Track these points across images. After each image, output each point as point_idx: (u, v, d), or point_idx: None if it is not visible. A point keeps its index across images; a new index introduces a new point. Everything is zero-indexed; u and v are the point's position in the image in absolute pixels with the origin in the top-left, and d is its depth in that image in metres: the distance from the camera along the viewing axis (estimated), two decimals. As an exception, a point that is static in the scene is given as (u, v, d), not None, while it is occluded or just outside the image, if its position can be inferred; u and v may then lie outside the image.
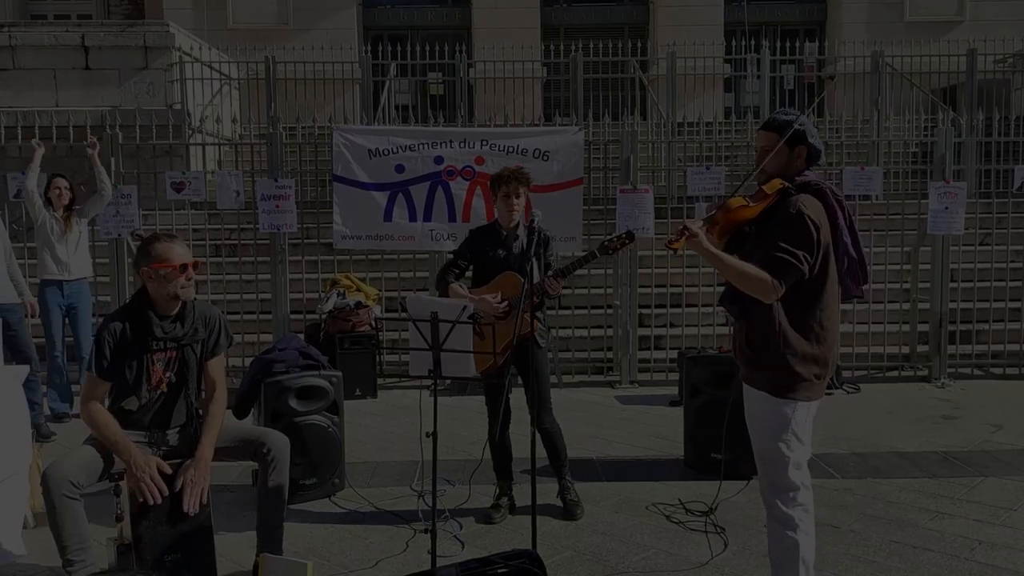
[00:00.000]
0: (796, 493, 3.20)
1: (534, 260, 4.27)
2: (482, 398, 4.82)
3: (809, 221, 3.08)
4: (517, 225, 4.53)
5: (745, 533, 4.32)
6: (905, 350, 8.21)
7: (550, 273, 4.34)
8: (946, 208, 7.69)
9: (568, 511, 4.52)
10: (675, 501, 4.77)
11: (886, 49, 12.82)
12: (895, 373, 8.07)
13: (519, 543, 4.02)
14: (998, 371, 8.11)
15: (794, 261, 3.05)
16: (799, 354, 3.15)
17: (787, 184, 3.17)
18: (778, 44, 13.24)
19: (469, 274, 4.66)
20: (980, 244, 8.52)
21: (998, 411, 6.78)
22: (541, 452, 4.20)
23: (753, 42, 13.27)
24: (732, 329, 3.44)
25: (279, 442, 3.79)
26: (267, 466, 3.72)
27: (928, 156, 8.76)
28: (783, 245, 3.06)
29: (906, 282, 8.43)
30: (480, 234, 4.63)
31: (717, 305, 3.41)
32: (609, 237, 4.38)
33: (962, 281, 8.28)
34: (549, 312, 6.39)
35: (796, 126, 3.21)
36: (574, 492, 4.61)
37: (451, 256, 4.79)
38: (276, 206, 7.61)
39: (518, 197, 4.47)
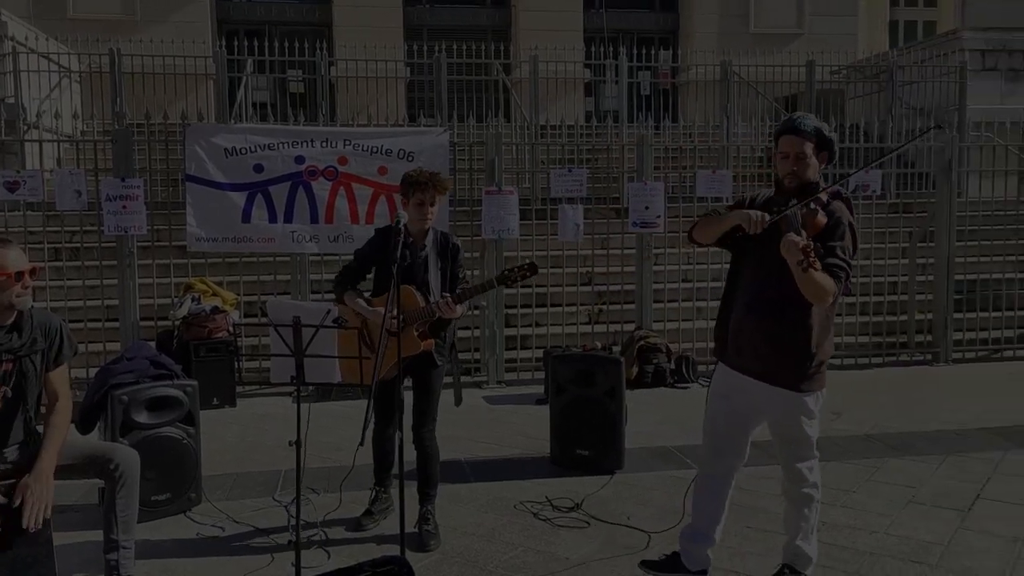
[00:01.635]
0: (816, 461, 3.59)
1: (439, 273, 4.19)
2: (348, 404, 4.73)
3: (855, 230, 3.34)
4: (427, 232, 4.32)
5: (611, 526, 4.42)
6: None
7: (446, 295, 4.16)
8: (790, 210, 8.15)
9: (422, 541, 4.19)
10: (543, 498, 4.83)
11: (734, 59, 13.50)
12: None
13: (388, 549, 3.96)
14: (838, 362, 8.67)
15: (847, 267, 3.26)
16: (825, 350, 3.42)
17: (828, 193, 3.33)
18: (635, 51, 13.70)
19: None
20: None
21: (839, 400, 7.22)
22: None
23: (611, 48, 13.66)
24: (731, 329, 3.49)
25: (128, 457, 3.58)
26: (115, 483, 3.51)
27: (773, 161, 9.26)
28: (840, 254, 3.25)
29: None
30: (385, 236, 4.30)
31: (761, 311, 3.39)
32: (510, 268, 4.21)
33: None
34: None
35: (826, 132, 3.36)
36: (434, 523, 4.32)
37: (351, 258, 4.47)
38: (123, 207, 7.19)
39: (432, 205, 4.25)
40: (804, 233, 3.14)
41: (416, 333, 4.17)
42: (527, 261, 4.23)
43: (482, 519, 4.58)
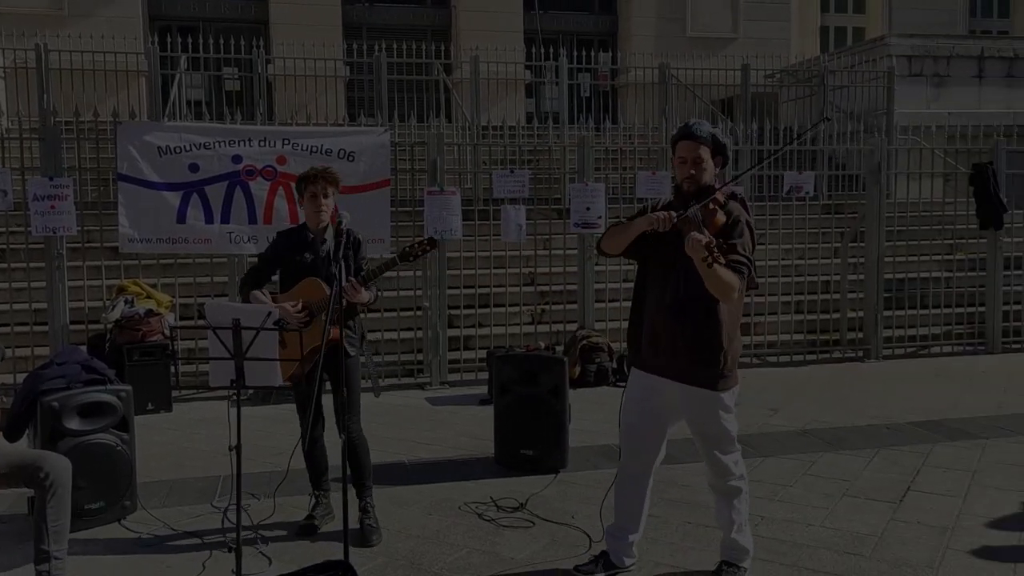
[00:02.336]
0: (739, 453, 3.74)
1: (342, 264, 4.16)
2: (288, 407, 4.66)
3: (750, 226, 3.48)
4: (326, 227, 4.33)
5: (555, 525, 4.44)
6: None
7: (351, 279, 4.18)
8: (727, 210, 8.31)
9: (364, 536, 4.19)
10: (487, 499, 4.82)
11: (671, 62, 13.71)
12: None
13: (331, 554, 3.92)
14: (774, 359, 8.88)
15: (749, 264, 3.40)
16: (736, 347, 3.57)
17: (725, 194, 3.48)
18: (575, 53, 13.80)
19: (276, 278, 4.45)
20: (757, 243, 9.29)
21: (775, 396, 7.41)
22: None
23: (551, 50, 13.73)
24: (645, 330, 3.60)
25: (58, 465, 3.47)
26: (45, 492, 3.40)
27: (672, 166, 9.43)
28: (740, 251, 3.39)
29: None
30: (286, 237, 4.43)
31: (670, 313, 3.51)
32: (410, 243, 4.28)
33: (742, 278, 8.98)
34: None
35: (721, 138, 3.52)
36: (374, 517, 4.32)
37: (255, 260, 4.57)
38: (51, 207, 6.96)
39: (326, 197, 4.29)
40: (706, 231, 3.28)
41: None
42: (425, 237, 4.34)
43: (426, 521, 4.55)
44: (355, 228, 4.28)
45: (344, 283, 4.14)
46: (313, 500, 4.51)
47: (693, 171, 3.49)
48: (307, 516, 4.45)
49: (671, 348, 3.52)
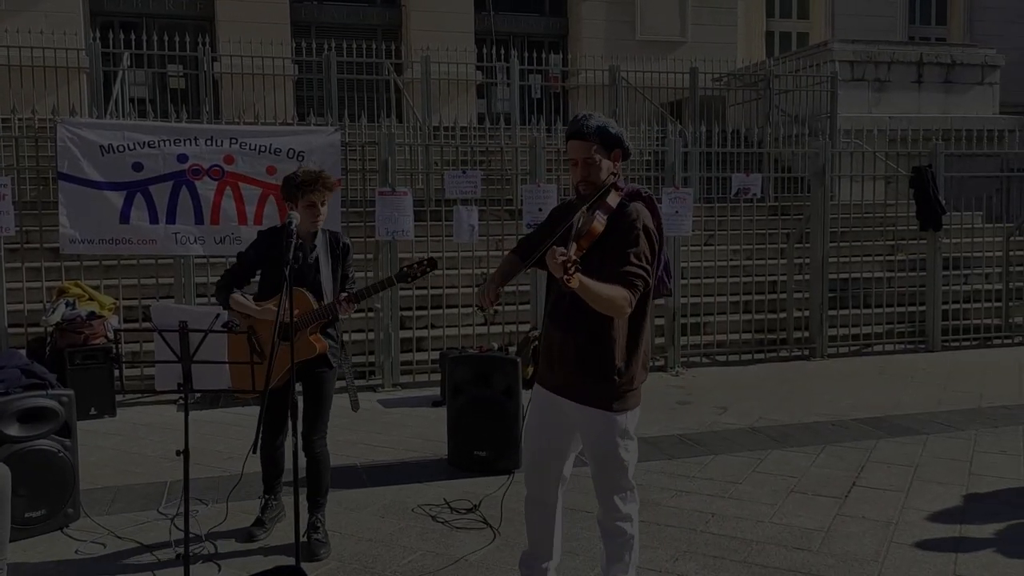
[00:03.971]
0: (632, 492, 3.33)
1: (330, 274, 4.11)
2: (235, 411, 4.58)
3: (652, 234, 3.13)
4: (316, 233, 4.22)
5: (509, 526, 4.43)
6: (645, 343, 8.86)
7: (343, 296, 4.11)
8: (676, 212, 8.41)
9: (312, 551, 4.08)
10: (441, 501, 4.81)
11: (621, 64, 13.82)
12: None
13: (279, 560, 3.86)
14: (723, 359, 9.01)
15: (645, 276, 3.07)
16: (637, 365, 3.21)
17: (622, 194, 3.17)
18: (526, 54, 13.82)
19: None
20: (705, 244, 9.42)
21: (724, 395, 7.52)
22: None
23: (502, 51, 13.74)
24: (543, 345, 3.33)
25: (-2, 473, 3.36)
26: (-16, 502, 3.29)
27: (660, 164, 9.56)
28: (634, 260, 3.05)
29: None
30: (271, 237, 4.18)
31: (560, 326, 3.21)
32: (408, 264, 4.16)
33: (691, 278, 9.11)
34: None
35: (611, 130, 3.18)
36: (323, 532, 4.22)
37: (234, 261, 4.31)
38: (-12, 206, 6.75)
39: (323, 204, 4.14)
40: (575, 245, 3.01)
41: (310, 336, 4.10)
42: (425, 257, 4.20)
43: (379, 524, 4.52)
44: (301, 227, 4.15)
45: (332, 300, 4.09)
46: (263, 501, 4.43)
47: (585, 173, 3.17)
48: (256, 519, 4.37)
49: (562, 363, 3.23)
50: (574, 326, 3.16)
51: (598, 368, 3.16)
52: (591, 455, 3.31)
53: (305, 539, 4.10)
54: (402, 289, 7.99)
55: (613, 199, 3.15)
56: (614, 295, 2.98)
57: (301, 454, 3.82)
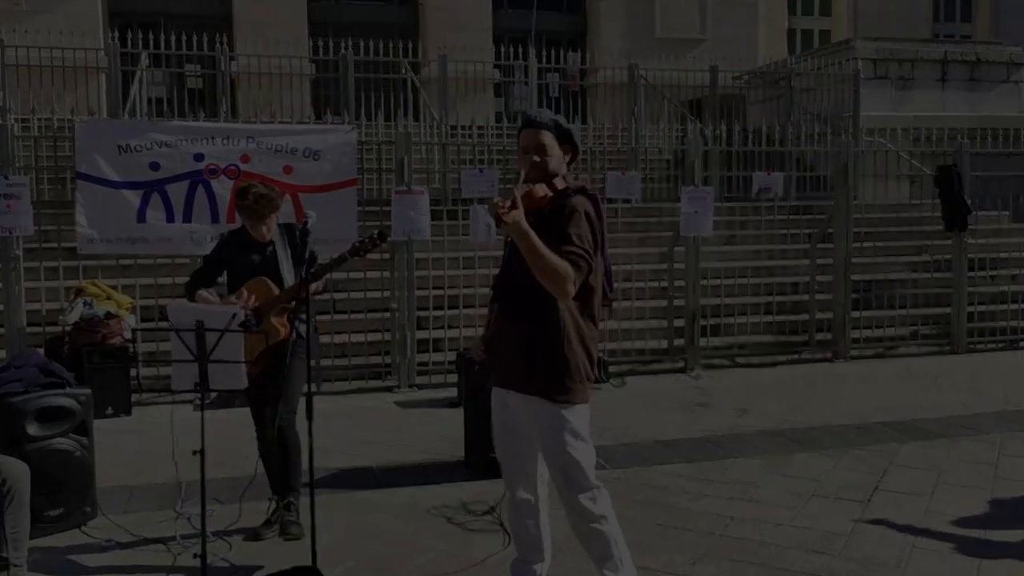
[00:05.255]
0: (598, 491, 3.24)
1: (290, 264, 4.21)
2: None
3: (593, 223, 3.11)
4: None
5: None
6: (664, 344, 8.80)
7: (304, 276, 4.14)
8: (696, 211, 8.32)
9: (283, 528, 4.19)
10: (457, 503, 4.77)
11: (640, 62, 13.73)
12: (656, 366, 8.62)
13: (299, 559, 3.83)
14: (743, 360, 8.91)
15: (587, 256, 3.02)
16: (584, 356, 3.16)
17: (567, 184, 3.17)
18: (544, 53, 13.77)
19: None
20: (726, 244, 9.33)
21: (744, 397, 7.43)
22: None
23: (520, 49, 13.69)
24: (490, 332, 3.30)
25: (16, 471, 3.39)
26: (2, 499, 3.34)
27: (680, 163, 9.47)
28: (576, 241, 3.00)
29: (663, 280, 9.04)
30: (232, 237, 4.44)
31: (502, 311, 3.21)
32: (360, 239, 4.20)
33: (711, 278, 9.02)
34: (323, 317, 6.17)
35: (564, 124, 3.22)
36: (295, 513, 4.25)
37: (200, 262, 4.58)
38: (8, 206, 6.80)
39: (270, 220, 4.34)
40: (511, 202, 2.92)
41: (274, 319, 4.18)
42: (376, 231, 4.22)
43: (395, 525, 4.49)
44: (317, 227, 4.21)
45: (294, 284, 4.17)
46: (272, 505, 4.42)
47: (536, 158, 3.13)
48: (265, 521, 4.36)
49: (507, 351, 3.18)
50: (521, 315, 3.14)
51: (541, 354, 3.10)
52: (543, 453, 3.25)
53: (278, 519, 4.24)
54: (418, 289, 7.96)
55: (559, 183, 3.14)
56: (557, 262, 2.94)
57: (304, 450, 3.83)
